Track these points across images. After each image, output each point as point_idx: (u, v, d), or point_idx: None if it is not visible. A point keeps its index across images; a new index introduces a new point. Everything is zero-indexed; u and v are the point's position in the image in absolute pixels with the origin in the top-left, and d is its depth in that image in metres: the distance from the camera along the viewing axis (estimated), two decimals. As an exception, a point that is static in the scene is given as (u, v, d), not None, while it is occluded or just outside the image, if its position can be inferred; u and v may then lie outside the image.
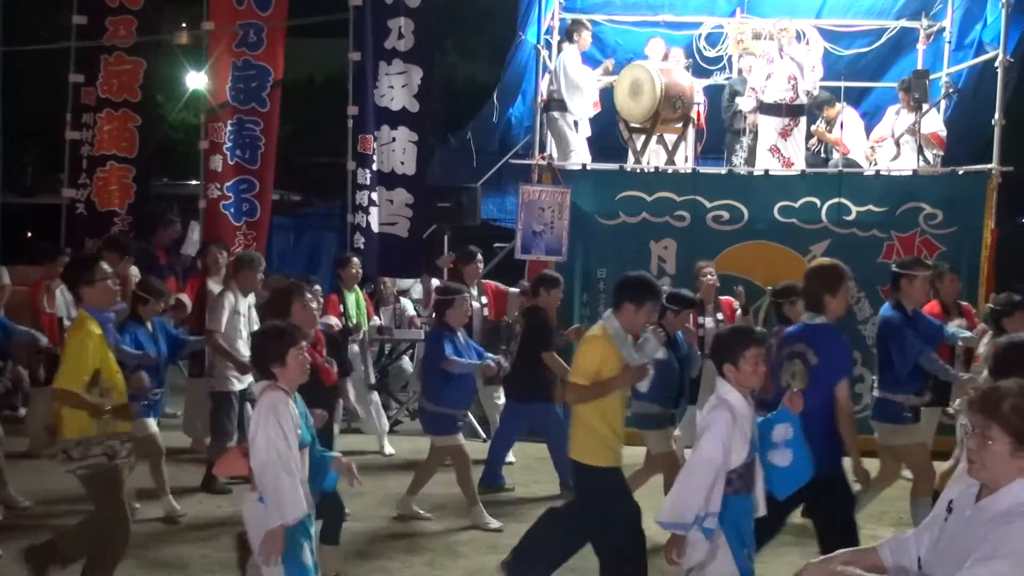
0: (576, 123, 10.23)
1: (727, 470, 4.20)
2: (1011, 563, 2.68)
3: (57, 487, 6.75)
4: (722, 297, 8.38)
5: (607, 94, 10.30)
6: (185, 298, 8.51)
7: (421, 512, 7.05)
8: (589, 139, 10.39)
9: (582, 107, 10.08)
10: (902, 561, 3.07)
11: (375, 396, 9.06)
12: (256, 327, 7.76)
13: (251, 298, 7.73)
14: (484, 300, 9.03)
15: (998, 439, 2.82)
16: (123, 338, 6.48)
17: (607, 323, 5.13)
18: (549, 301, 7.76)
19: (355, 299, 8.87)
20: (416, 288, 10.71)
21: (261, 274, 7.72)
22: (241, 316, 7.55)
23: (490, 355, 7.33)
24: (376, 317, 9.67)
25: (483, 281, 9.22)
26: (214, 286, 8.20)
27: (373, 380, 9.16)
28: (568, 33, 10.20)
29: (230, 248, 9.33)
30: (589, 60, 10.46)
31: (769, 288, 7.78)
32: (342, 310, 8.64)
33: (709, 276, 8.22)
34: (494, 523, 6.84)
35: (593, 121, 10.44)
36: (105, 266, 5.26)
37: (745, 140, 10.39)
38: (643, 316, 5.15)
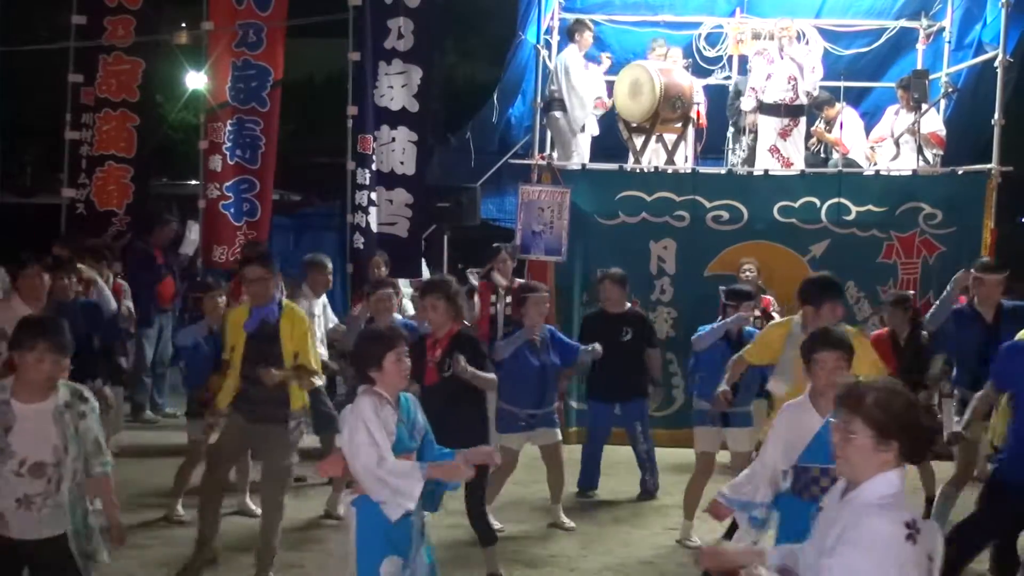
0: (584, 124, 10.21)
1: (786, 466, 4.26)
2: (861, 553, 2.67)
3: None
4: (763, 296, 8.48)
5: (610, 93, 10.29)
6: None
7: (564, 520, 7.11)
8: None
9: (583, 107, 10.06)
10: (787, 562, 3.06)
11: None
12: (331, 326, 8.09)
13: (323, 299, 7.92)
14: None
15: (860, 433, 2.81)
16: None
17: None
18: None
19: None
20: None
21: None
22: (316, 317, 7.62)
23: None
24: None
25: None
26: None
27: None
28: (570, 33, 10.19)
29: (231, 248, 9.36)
30: (588, 60, 10.44)
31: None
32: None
33: (749, 272, 8.27)
34: (496, 524, 6.82)
35: (597, 120, 10.43)
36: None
37: (744, 139, 10.40)
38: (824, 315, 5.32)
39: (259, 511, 7.08)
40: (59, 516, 4.05)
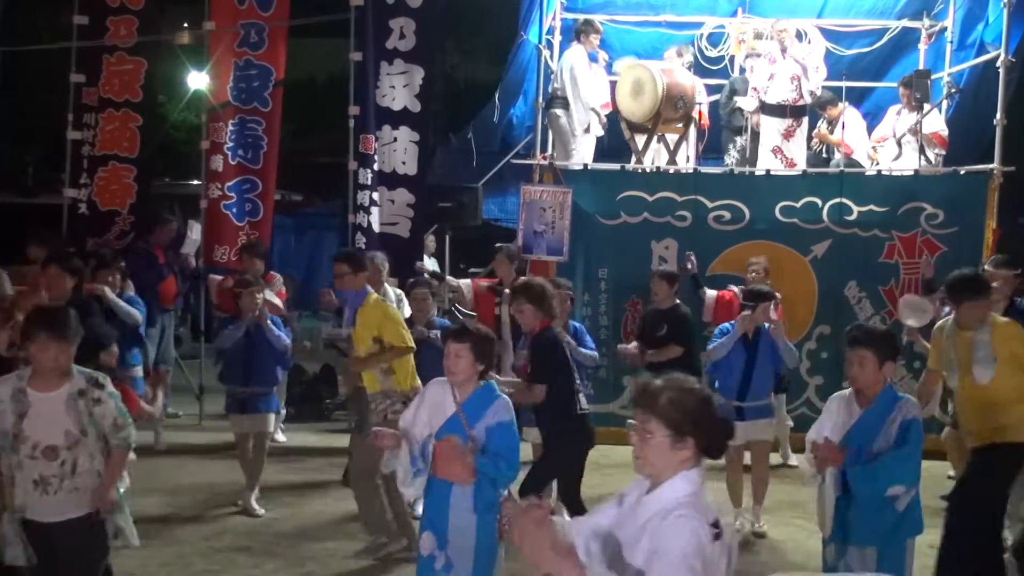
0: (588, 124, 10.20)
1: None
2: (675, 565, 2.64)
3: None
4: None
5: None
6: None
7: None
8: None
9: (587, 108, 10.06)
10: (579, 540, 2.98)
11: None
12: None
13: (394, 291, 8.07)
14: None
15: (657, 433, 2.81)
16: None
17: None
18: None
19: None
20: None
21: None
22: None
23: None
24: None
25: None
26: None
27: None
28: (577, 33, 10.18)
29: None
30: (591, 61, 10.44)
31: None
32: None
33: (755, 272, 8.30)
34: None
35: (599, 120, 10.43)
36: None
37: (740, 140, 10.40)
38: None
39: (261, 512, 7.11)
40: (77, 498, 4.29)
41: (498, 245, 8.89)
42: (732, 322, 7.08)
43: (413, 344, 6.35)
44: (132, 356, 8.07)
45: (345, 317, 6.75)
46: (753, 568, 5.96)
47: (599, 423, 7.58)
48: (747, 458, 7.03)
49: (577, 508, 5.86)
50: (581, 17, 10.45)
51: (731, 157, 10.44)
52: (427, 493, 4.44)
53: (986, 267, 7.22)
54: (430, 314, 7.52)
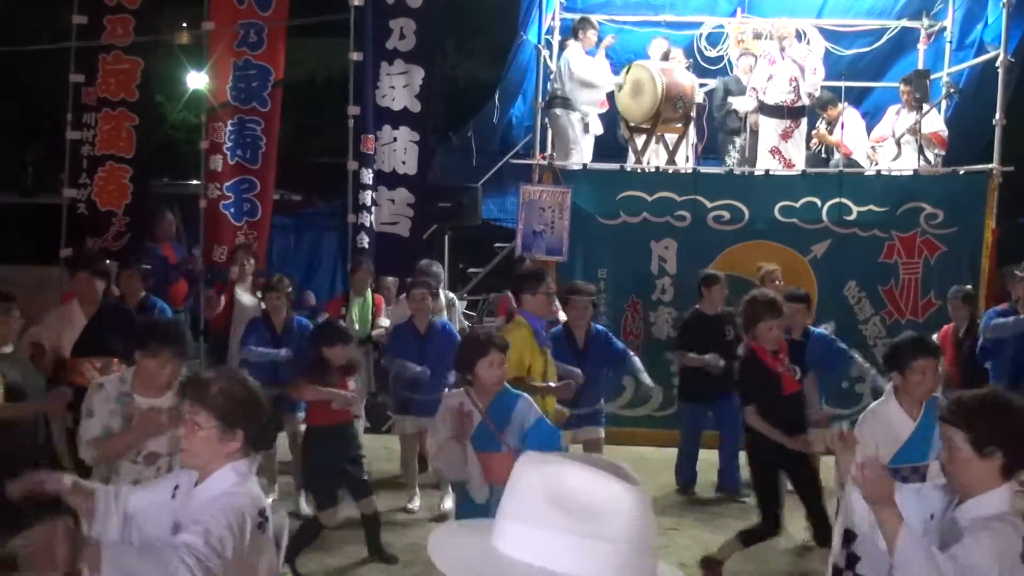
0: (587, 124, 10.19)
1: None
2: (210, 520, 2.71)
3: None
4: None
5: (611, 94, 10.29)
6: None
7: None
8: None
9: (590, 101, 10.05)
10: None
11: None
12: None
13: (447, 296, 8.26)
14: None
15: (206, 424, 2.82)
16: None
17: None
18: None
19: (361, 306, 8.78)
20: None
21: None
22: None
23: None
24: (384, 318, 9.65)
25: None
26: (242, 294, 8.32)
27: (373, 387, 9.12)
28: (574, 30, 10.19)
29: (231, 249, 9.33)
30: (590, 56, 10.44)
31: None
32: (343, 312, 8.64)
33: (775, 279, 8.20)
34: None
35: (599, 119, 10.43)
36: None
37: (739, 140, 10.40)
38: None
39: (307, 510, 7.08)
40: None
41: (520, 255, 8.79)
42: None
43: None
44: None
45: None
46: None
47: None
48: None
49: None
50: (575, 17, 10.46)
51: (731, 158, 10.43)
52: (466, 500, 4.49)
53: (1016, 271, 7.27)
54: (430, 315, 7.50)
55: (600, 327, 7.48)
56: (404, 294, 8.04)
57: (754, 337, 5.86)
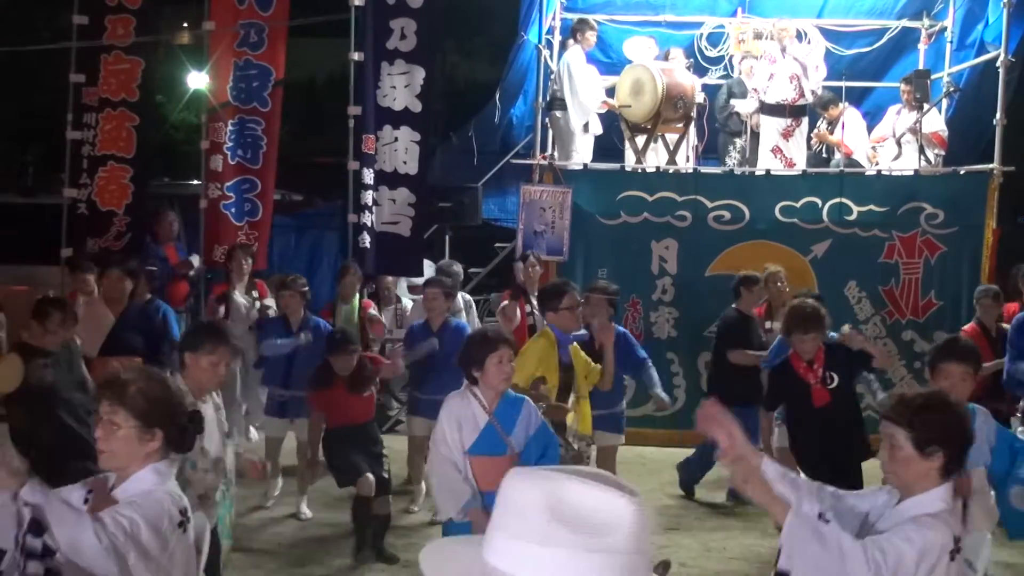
0: (587, 123, 10.19)
1: None
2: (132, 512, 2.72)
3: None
4: None
5: (612, 93, 10.28)
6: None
7: None
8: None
9: (586, 105, 10.05)
10: None
11: None
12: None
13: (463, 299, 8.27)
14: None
15: (125, 424, 2.78)
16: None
17: None
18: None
19: (348, 312, 8.61)
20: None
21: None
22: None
23: None
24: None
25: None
26: (239, 293, 8.32)
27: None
28: (573, 32, 10.19)
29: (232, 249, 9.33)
30: (591, 60, 10.44)
31: None
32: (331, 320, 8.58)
33: (779, 281, 8.15)
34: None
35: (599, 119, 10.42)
36: None
37: (740, 142, 10.39)
38: None
39: (308, 514, 7.06)
40: (213, 509, 4.17)
41: (525, 253, 8.75)
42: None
43: None
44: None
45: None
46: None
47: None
48: None
49: None
50: (575, 17, 10.46)
51: (732, 159, 10.43)
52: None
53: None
54: (444, 314, 7.43)
55: (621, 328, 7.31)
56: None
57: (791, 345, 5.80)
